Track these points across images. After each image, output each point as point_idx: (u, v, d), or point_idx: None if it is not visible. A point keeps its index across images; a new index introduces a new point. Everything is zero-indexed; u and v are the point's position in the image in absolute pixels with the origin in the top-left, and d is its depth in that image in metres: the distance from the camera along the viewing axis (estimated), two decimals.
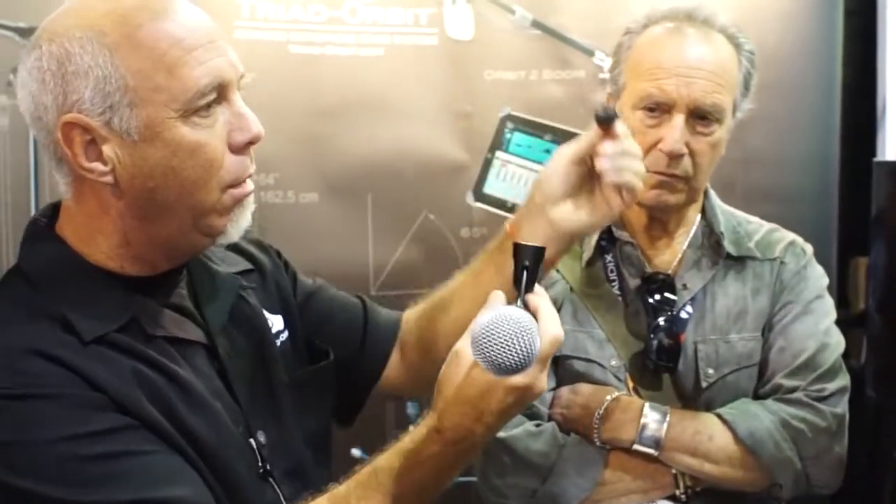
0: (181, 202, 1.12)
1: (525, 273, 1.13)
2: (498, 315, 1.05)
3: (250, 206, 1.18)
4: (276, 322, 1.33)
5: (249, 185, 1.17)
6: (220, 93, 1.11)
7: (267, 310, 1.33)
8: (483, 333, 1.04)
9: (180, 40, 1.08)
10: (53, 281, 1.13)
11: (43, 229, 1.17)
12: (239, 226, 1.17)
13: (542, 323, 1.09)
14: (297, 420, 1.29)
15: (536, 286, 1.14)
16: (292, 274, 1.43)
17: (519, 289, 1.13)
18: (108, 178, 1.10)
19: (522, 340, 1.04)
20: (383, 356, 1.46)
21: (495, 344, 1.04)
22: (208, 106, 1.10)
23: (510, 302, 1.11)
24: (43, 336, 1.08)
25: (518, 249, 1.14)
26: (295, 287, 1.41)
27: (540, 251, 1.14)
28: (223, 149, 1.12)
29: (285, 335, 1.34)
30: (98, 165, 1.10)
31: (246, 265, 1.33)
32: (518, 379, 1.07)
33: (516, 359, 1.04)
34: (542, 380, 1.10)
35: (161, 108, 1.08)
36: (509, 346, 1.04)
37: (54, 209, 1.20)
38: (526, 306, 1.10)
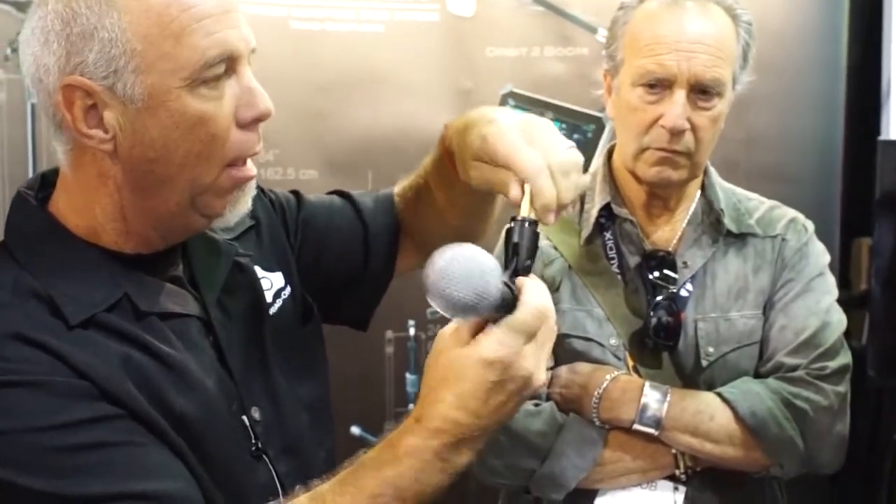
0: (180, 176, 1.08)
1: (515, 252, 1.06)
2: (454, 249, 0.97)
3: (251, 190, 1.15)
4: (275, 280, 1.30)
5: (252, 170, 1.13)
6: (230, 65, 1.08)
7: (265, 269, 1.29)
8: (436, 264, 0.96)
9: (190, 7, 1.04)
10: (39, 257, 1.09)
11: (29, 203, 1.14)
12: (237, 210, 1.14)
13: (526, 294, 1.01)
14: (293, 387, 1.25)
15: (532, 276, 1.05)
16: (280, 208, 1.38)
17: (506, 266, 1.05)
18: (108, 146, 1.07)
19: (473, 268, 0.94)
20: (390, 259, 1.44)
21: (445, 274, 0.95)
22: (216, 78, 1.07)
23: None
24: (27, 319, 1.04)
25: (510, 231, 1.08)
26: (287, 229, 1.38)
27: (535, 234, 1.07)
28: (229, 123, 1.09)
29: (287, 292, 1.31)
30: (98, 132, 1.06)
31: (244, 223, 1.28)
32: (491, 346, 0.98)
33: (465, 289, 0.94)
34: (525, 357, 0.99)
35: (167, 76, 1.04)
36: (458, 275, 0.94)
37: (43, 180, 1.16)
38: (509, 285, 1.01)
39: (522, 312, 1.00)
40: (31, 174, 2.33)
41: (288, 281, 1.32)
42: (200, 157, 1.08)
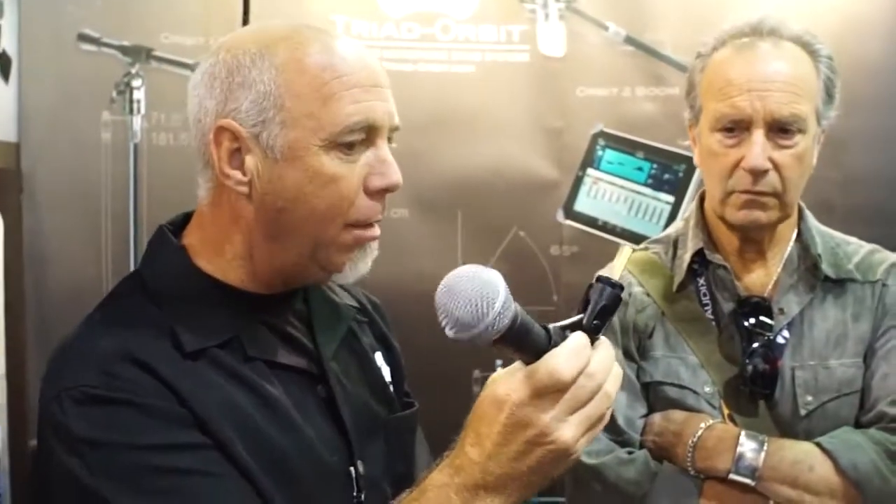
0: (304, 228, 1.15)
1: (583, 309, 1.04)
2: (464, 267, 0.98)
3: (373, 252, 1.19)
4: (378, 359, 1.35)
5: (376, 231, 1.18)
6: (369, 135, 1.14)
7: (370, 348, 1.35)
8: (444, 280, 0.97)
9: (342, 75, 1.13)
10: (169, 293, 1.17)
11: (168, 238, 1.21)
12: (357, 268, 1.18)
13: (558, 351, 0.99)
14: (389, 461, 1.28)
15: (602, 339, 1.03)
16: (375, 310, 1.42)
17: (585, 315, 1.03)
18: (244, 189, 1.15)
19: (475, 287, 0.95)
20: None
21: (448, 290, 0.96)
22: (353, 144, 1.13)
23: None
24: (144, 344, 1.10)
25: (589, 289, 1.05)
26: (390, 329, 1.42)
27: (615, 298, 1.04)
28: (358, 188, 1.15)
29: (387, 371, 1.36)
30: (237, 174, 1.14)
31: (356, 304, 1.36)
32: (502, 386, 0.99)
33: (465, 307, 0.94)
34: (540, 408, 0.98)
35: (308, 133, 1.12)
36: (460, 292, 0.95)
37: (185, 218, 1.24)
38: (548, 331, 1.00)
39: (539, 364, 0.99)
40: (132, 209, 2.43)
41: (387, 363, 1.37)
42: (325, 214, 1.14)
